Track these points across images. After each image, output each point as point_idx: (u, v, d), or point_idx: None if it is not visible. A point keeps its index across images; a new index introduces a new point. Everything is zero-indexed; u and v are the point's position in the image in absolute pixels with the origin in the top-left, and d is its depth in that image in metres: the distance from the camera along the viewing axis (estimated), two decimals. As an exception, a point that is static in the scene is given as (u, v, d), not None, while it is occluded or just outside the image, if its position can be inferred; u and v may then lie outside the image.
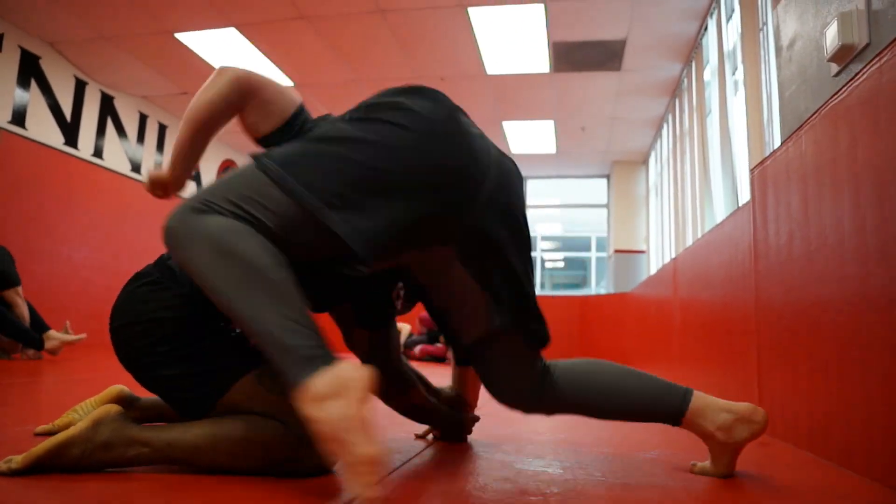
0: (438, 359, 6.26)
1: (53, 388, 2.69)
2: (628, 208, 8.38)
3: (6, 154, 4.88)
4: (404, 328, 6.71)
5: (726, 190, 4.25)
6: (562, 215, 12.62)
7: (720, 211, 4.35)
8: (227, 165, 8.11)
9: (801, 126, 1.71)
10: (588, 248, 14.52)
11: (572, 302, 8.49)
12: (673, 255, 5.58)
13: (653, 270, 7.39)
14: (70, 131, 5.57)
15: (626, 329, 7.26)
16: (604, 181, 9.01)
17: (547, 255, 16.84)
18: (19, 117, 5.03)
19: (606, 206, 8.93)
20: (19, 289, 4.08)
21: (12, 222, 4.83)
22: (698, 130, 5.04)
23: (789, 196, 1.79)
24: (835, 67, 1.72)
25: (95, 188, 5.84)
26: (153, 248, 6.24)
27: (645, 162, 8.24)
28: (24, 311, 4.07)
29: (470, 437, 1.69)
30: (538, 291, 7.33)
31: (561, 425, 2.06)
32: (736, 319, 2.60)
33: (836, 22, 1.65)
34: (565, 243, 16.34)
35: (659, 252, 7.26)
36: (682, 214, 5.66)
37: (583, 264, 15.77)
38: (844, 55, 1.65)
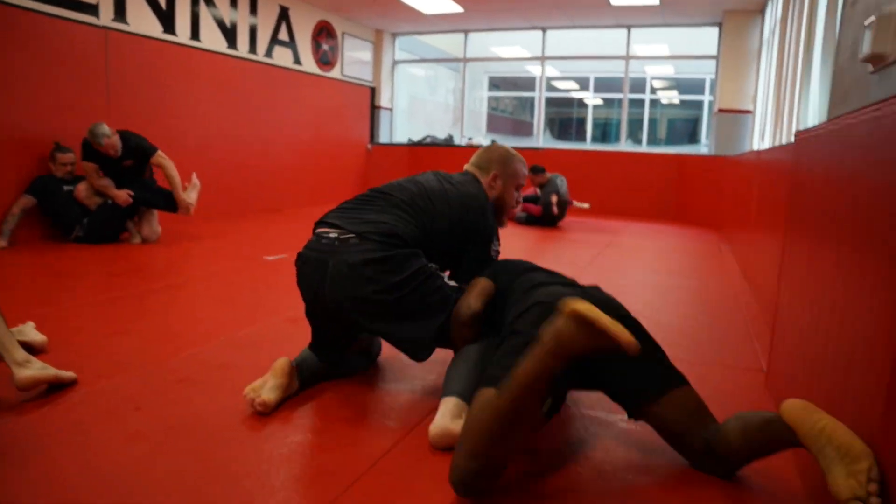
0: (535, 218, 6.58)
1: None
2: (738, 63, 7.72)
3: (115, 52, 5.25)
4: None
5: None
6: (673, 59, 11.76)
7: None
8: (321, 26, 8.15)
9: None
10: (702, 91, 13.60)
11: (670, 161, 8.27)
12: (785, 120, 5.09)
13: (756, 133, 6.98)
14: (166, 19, 5.81)
15: (722, 197, 7.08)
16: (715, 30, 8.24)
17: (662, 94, 15.93)
18: (121, 13, 5.31)
19: (716, 57, 8.25)
20: (160, 152, 4.80)
21: (128, 115, 5.31)
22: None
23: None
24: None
25: (193, 72, 6.19)
26: (247, 125, 6.59)
27: (761, 11, 7.42)
28: (174, 171, 4.81)
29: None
30: (646, 148, 7.05)
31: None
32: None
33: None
34: (680, 84, 15.31)
35: (763, 114, 6.77)
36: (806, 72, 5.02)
37: (698, 105, 14.83)
38: None
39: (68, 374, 1.94)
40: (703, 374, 1.51)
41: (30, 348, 2.18)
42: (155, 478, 1.44)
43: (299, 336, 2.52)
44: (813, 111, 4.00)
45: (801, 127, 3.78)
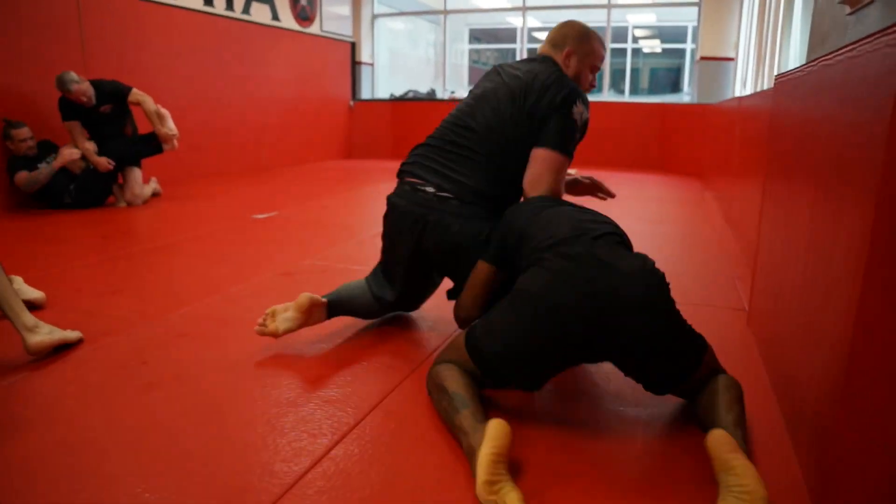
0: None
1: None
2: (720, 9, 7.68)
3: (88, 12, 5.13)
4: None
5: None
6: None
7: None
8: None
9: None
10: (684, 39, 13.51)
11: (653, 110, 8.28)
12: (766, 66, 5.13)
13: (739, 80, 7.01)
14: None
15: (705, 145, 7.13)
16: (697, -26, 8.17)
17: (644, 43, 15.80)
18: (93, -31, 5.17)
19: (698, 4, 8.20)
20: (136, 90, 4.78)
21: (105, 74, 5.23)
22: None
23: None
24: None
25: (169, 31, 6.07)
26: (227, 85, 6.51)
27: (744, -46, 7.35)
28: (152, 105, 4.80)
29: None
30: (628, 98, 7.03)
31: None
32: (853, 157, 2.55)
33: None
34: (662, 32, 15.17)
35: (745, 61, 6.79)
36: (788, 17, 5.06)
37: (680, 53, 14.75)
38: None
39: (74, 333, 1.99)
40: (690, 315, 1.57)
41: (30, 305, 2.23)
42: (173, 424, 1.51)
43: (294, 288, 2.58)
44: (794, 56, 4.04)
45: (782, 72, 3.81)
